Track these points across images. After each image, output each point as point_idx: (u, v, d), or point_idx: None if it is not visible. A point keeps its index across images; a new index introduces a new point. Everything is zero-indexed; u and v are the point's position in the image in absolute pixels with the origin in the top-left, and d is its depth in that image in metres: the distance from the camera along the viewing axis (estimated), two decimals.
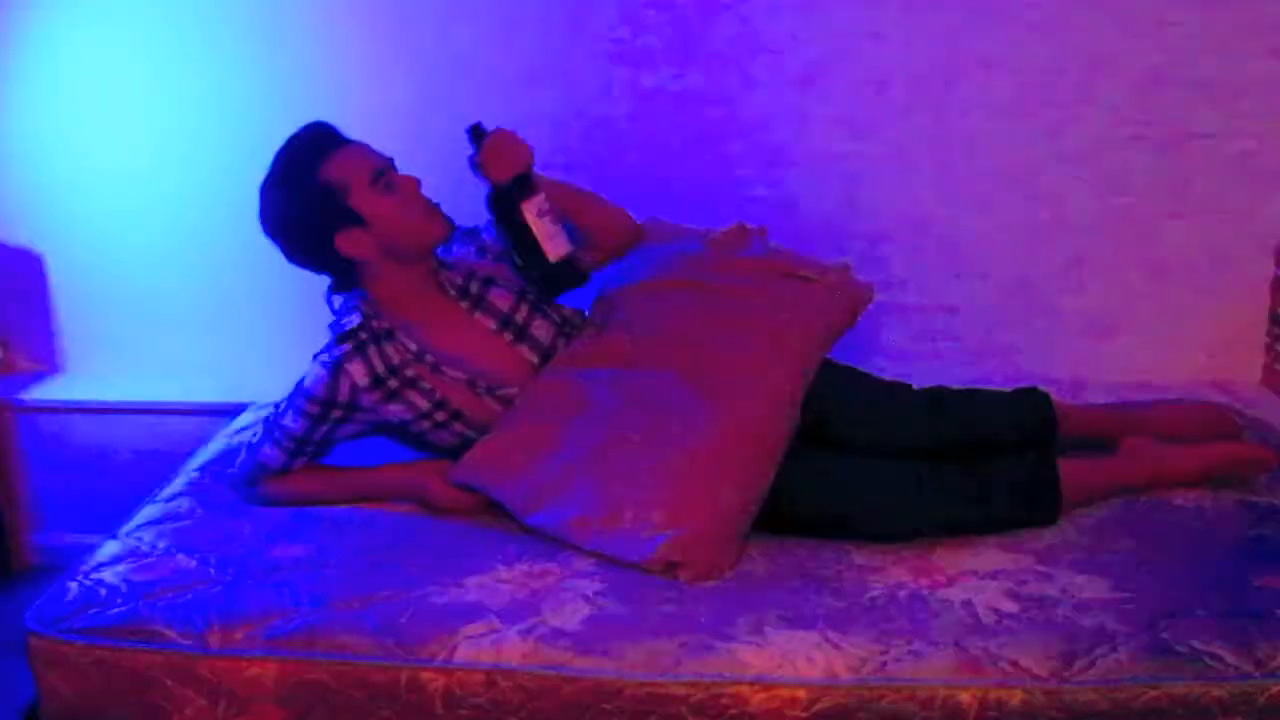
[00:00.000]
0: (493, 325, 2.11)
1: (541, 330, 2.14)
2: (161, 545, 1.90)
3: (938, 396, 2.16)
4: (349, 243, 2.01)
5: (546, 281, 2.09)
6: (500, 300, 2.13)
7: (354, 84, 2.67)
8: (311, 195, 1.99)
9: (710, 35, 2.63)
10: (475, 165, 2.04)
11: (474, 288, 2.14)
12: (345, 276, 2.09)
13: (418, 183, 2.06)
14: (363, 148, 2.05)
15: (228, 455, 2.25)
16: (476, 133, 2.04)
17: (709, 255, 2.28)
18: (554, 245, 2.03)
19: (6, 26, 2.71)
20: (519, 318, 2.12)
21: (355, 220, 2.00)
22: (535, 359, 2.11)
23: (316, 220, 2.01)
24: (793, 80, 2.65)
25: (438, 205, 2.08)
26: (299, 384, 2.04)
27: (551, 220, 2.04)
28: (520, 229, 2.02)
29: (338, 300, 2.11)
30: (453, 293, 2.12)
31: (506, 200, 2.02)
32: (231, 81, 2.72)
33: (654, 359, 2.05)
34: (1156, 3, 2.54)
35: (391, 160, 2.05)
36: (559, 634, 1.63)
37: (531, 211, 2.01)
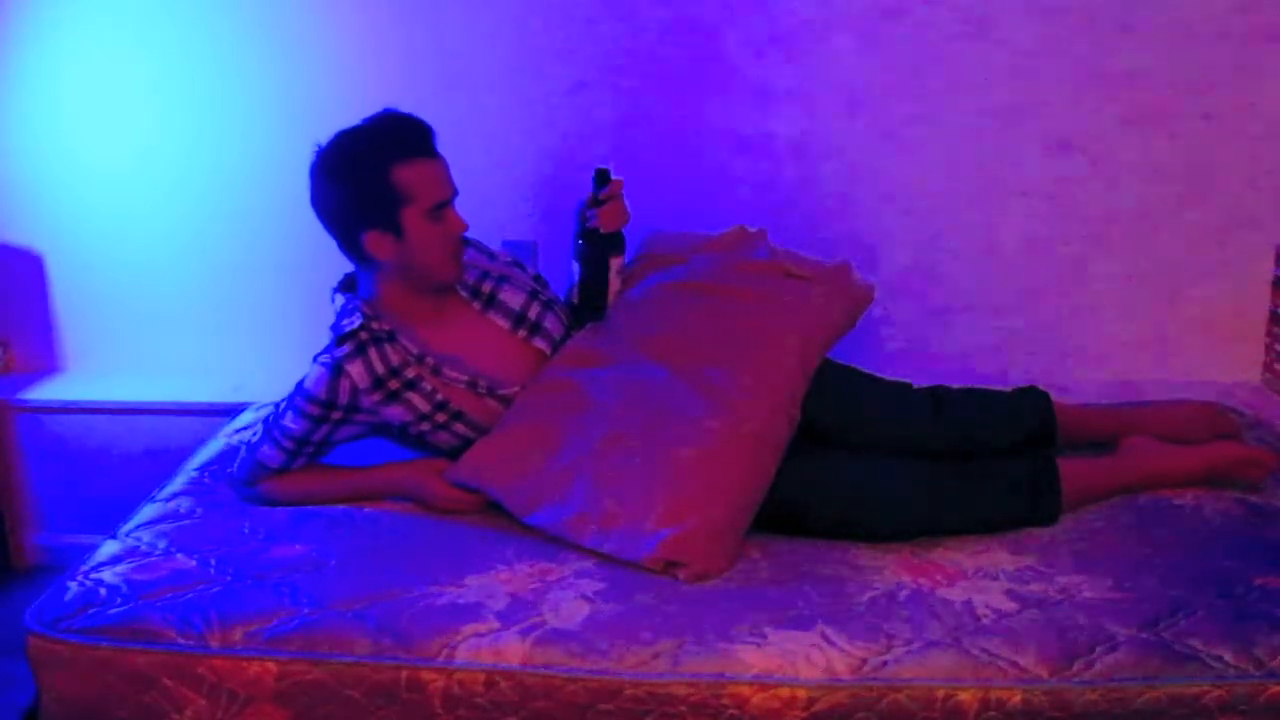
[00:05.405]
0: (506, 324, 2.12)
1: (553, 324, 2.15)
2: (161, 545, 1.90)
3: (938, 396, 2.16)
4: (374, 243, 1.99)
5: (581, 316, 2.20)
6: (513, 299, 2.13)
7: (354, 84, 2.67)
8: (372, 187, 1.96)
9: (707, 36, 2.64)
10: (590, 204, 2.12)
11: (486, 287, 2.14)
12: (354, 257, 2.06)
13: (465, 228, 2.05)
14: (443, 170, 2.02)
15: (228, 455, 2.25)
16: (603, 177, 2.13)
17: (710, 257, 2.29)
18: (611, 299, 2.19)
19: (6, 26, 2.71)
20: (531, 315, 2.13)
21: (394, 230, 1.99)
22: (548, 349, 2.12)
23: (362, 211, 1.98)
24: (792, 82, 2.65)
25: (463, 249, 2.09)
26: (299, 384, 2.04)
27: (619, 278, 2.20)
28: (599, 277, 2.15)
29: (339, 300, 2.10)
30: (465, 293, 2.12)
31: (601, 247, 2.14)
32: (231, 82, 2.72)
33: (654, 359, 2.05)
34: (1158, 3, 2.54)
35: (456, 193, 2.04)
36: (559, 634, 1.63)
37: (615, 267, 2.17)
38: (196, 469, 2.22)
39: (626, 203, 2.16)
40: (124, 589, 1.75)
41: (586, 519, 1.85)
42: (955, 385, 2.23)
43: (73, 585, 1.77)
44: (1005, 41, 2.59)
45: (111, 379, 2.90)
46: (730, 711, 1.55)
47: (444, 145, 2.03)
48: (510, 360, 2.09)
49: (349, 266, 2.12)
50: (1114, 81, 2.60)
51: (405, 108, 2.02)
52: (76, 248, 2.86)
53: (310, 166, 2.00)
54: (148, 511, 2.04)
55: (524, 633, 1.63)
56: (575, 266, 2.17)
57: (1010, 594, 1.71)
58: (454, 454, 2.04)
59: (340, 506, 2.03)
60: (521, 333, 2.12)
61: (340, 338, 2.01)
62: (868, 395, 2.15)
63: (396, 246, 2.00)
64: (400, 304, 2.06)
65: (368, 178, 1.96)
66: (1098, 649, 1.58)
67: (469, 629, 1.64)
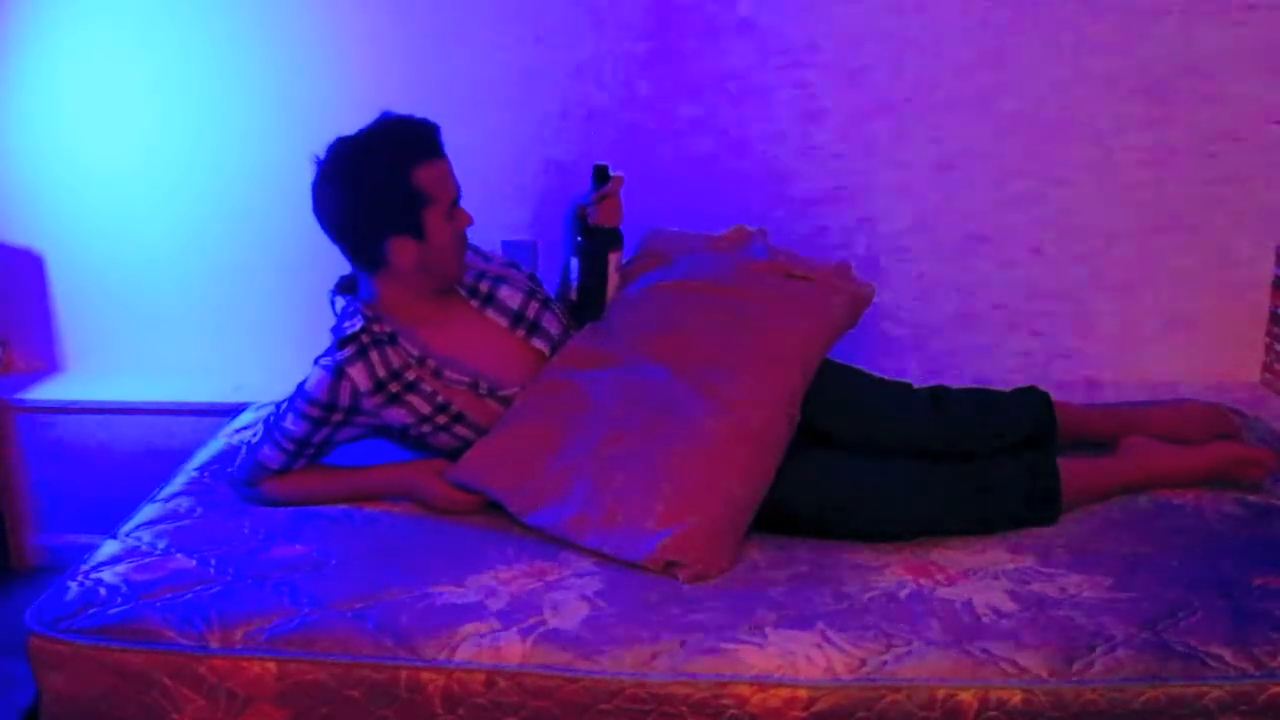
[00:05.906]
0: (505, 323, 2.12)
1: (551, 323, 2.15)
2: (161, 545, 1.90)
3: (938, 396, 2.16)
4: (398, 249, 1.99)
5: (581, 313, 2.20)
6: (511, 298, 2.14)
7: (354, 84, 2.67)
8: (395, 192, 1.96)
9: (708, 36, 2.64)
10: (590, 201, 2.12)
11: (484, 287, 2.14)
12: (367, 265, 2.05)
13: (471, 222, 2.06)
14: (450, 167, 2.03)
15: (228, 455, 2.25)
16: (602, 174, 2.13)
17: (709, 257, 2.29)
18: (610, 295, 2.18)
19: (6, 26, 2.71)
20: (530, 314, 2.13)
21: (416, 233, 1.99)
22: (547, 349, 2.12)
23: (386, 216, 1.98)
24: (793, 81, 2.65)
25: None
26: (300, 386, 2.04)
27: (618, 275, 2.20)
28: (598, 273, 2.15)
29: (340, 303, 2.10)
30: (463, 292, 2.13)
31: (601, 243, 2.14)
32: (231, 82, 2.72)
33: (654, 359, 2.05)
34: (1160, 6, 2.55)
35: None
36: (559, 634, 1.63)
37: (613, 263, 2.17)
38: (196, 469, 2.22)
39: (622, 200, 2.16)
40: (124, 589, 1.75)
41: (587, 519, 1.85)
42: (955, 385, 2.24)
43: (73, 585, 1.77)
44: (1011, 43, 2.59)
45: (111, 379, 2.90)
46: (730, 711, 1.55)
47: (449, 144, 2.03)
48: (510, 360, 2.08)
49: (348, 267, 2.11)
50: (1116, 82, 2.60)
51: (405, 108, 2.02)
52: (76, 248, 2.86)
53: (316, 178, 1.99)
54: (148, 511, 2.04)
55: (524, 633, 1.63)
56: (574, 263, 2.17)
57: (1010, 594, 1.71)
58: (454, 455, 2.04)
59: (340, 506, 2.03)
60: (520, 332, 2.12)
61: (342, 340, 2.00)
62: (868, 395, 2.15)
63: (419, 249, 2.00)
64: (401, 306, 2.06)
65: (389, 183, 1.96)
66: (1098, 649, 1.58)
67: (469, 629, 1.64)
